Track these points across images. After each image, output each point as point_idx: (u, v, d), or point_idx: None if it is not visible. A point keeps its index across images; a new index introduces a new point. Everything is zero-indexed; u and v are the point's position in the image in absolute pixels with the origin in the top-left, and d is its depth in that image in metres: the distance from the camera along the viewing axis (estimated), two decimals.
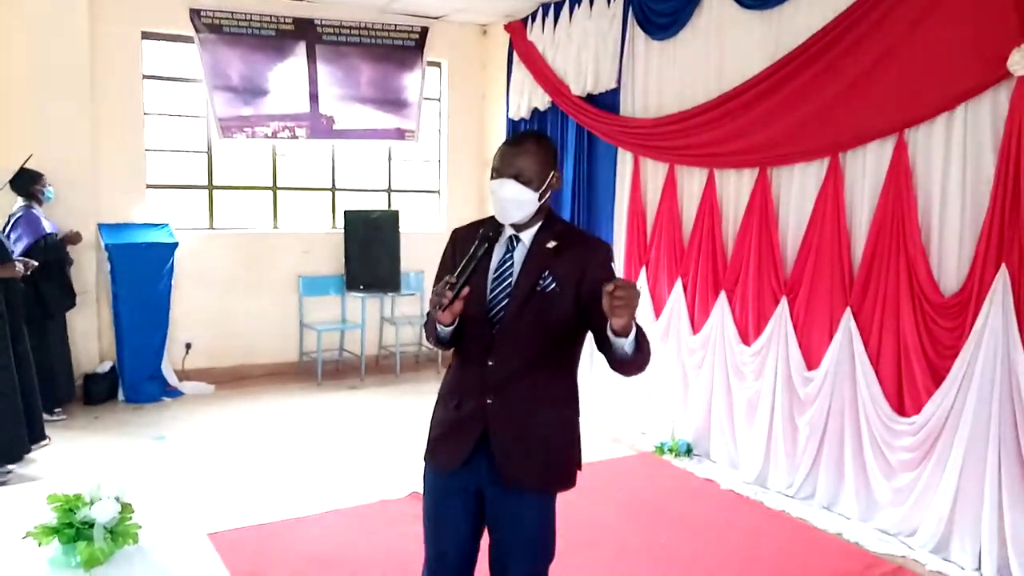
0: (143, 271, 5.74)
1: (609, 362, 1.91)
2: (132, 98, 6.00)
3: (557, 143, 5.95)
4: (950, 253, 3.46)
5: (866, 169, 3.79)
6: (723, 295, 4.55)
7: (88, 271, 5.81)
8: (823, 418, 3.97)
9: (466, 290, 1.86)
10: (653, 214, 5.14)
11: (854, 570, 3.38)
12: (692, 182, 4.85)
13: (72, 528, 1.97)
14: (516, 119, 6.50)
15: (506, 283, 1.99)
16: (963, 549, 3.36)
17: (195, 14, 6.09)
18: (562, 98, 5.84)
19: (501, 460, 1.96)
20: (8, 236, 4.97)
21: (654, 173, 5.16)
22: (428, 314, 2.04)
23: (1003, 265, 3.20)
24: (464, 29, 7.23)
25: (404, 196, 7.38)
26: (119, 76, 5.90)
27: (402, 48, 6.92)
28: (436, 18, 6.96)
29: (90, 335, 5.86)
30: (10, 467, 4.23)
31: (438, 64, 7.29)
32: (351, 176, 7.13)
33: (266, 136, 6.47)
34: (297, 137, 6.59)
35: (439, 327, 1.96)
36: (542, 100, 6.13)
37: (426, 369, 7.13)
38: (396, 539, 3.50)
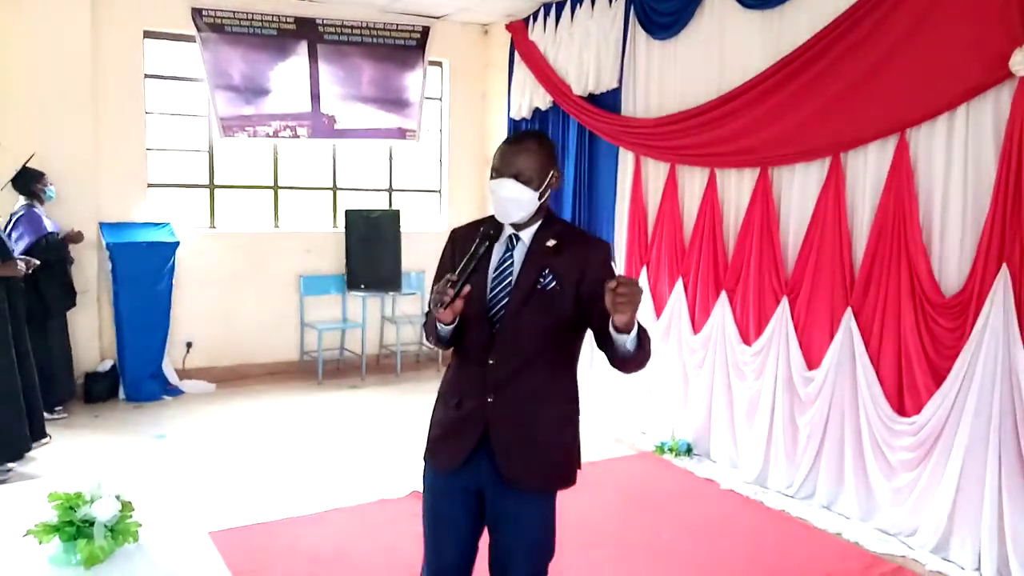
0: (144, 270, 5.75)
1: (610, 359, 1.91)
2: (134, 97, 6.00)
3: (558, 143, 5.96)
4: (951, 253, 3.46)
5: (867, 169, 3.79)
6: (724, 295, 4.55)
7: (89, 270, 5.81)
8: (823, 418, 3.96)
9: (467, 288, 1.86)
10: (654, 214, 5.14)
11: (854, 570, 3.38)
12: (693, 182, 4.84)
13: (72, 526, 1.97)
14: (517, 119, 6.50)
15: (506, 282, 1.99)
16: (963, 549, 3.36)
17: (197, 13, 6.09)
18: (563, 98, 5.84)
19: (502, 459, 1.96)
20: (9, 235, 4.98)
21: (655, 173, 5.16)
22: (427, 313, 2.04)
23: (1004, 265, 3.20)
24: (465, 28, 7.23)
25: (405, 195, 7.38)
26: (121, 75, 5.91)
27: (403, 47, 6.92)
28: (437, 17, 6.96)
29: (91, 334, 5.87)
30: (11, 465, 4.24)
31: (439, 63, 7.29)
32: (352, 175, 7.13)
33: (267, 135, 6.48)
34: (298, 136, 6.60)
35: (439, 326, 1.96)
36: (543, 100, 6.13)
37: (427, 368, 7.13)
38: (397, 538, 3.50)
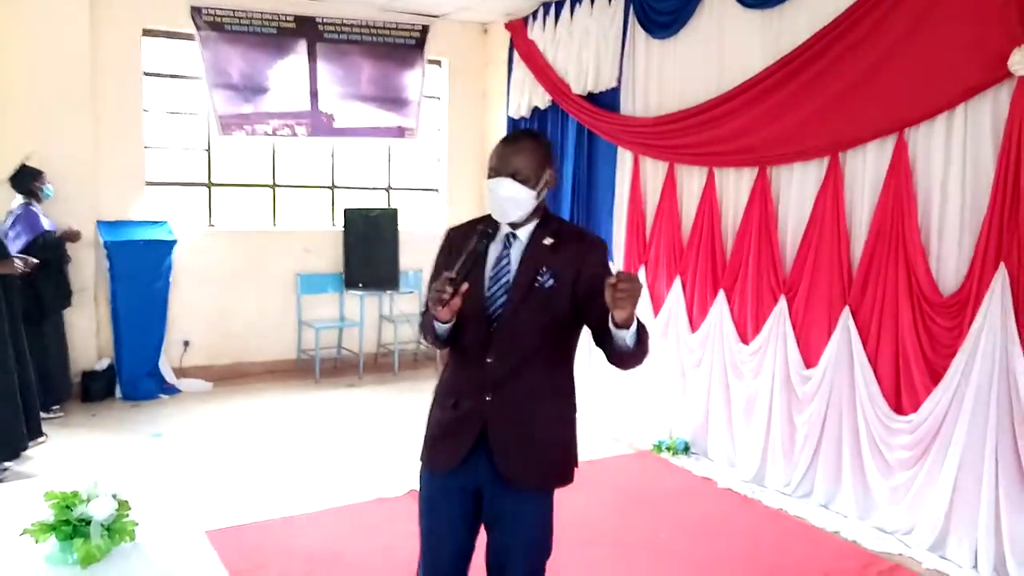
0: (142, 268, 5.74)
1: (608, 356, 1.91)
2: (132, 95, 5.99)
3: (557, 142, 5.96)
4: (949, 252, 3.46)
5: (866, 168, 3.79)
6: (722, 294, 4.55)
7: (87, 268, 5.80)
8: (821, 417, 3.97)
9: (465, 286, 1.85)
10: (653, 213, 5.14)
11: (851, 568, 3.38)
12: (692, 181, 4.84)
13: (69, 525, 1.96)
14: (516, 117, 6.50)
15: (503, 280, 1.99)
16: (960, 547, 3.36)
17: (196, 12, 6.08)
18: (562, 97, 5.84)
19: (500, 458, 1.96)
20: (6, 233, 4.97)
21: (654, 172, 5.16)
22: (423, 313, 2.04)
23: (1002, 264, 3.20)
24: (465, 27, 7.22)
25: (404, 194, 7.38)
26: (119, 73, 5.90)
27: (403, 46, 6.91)
28: (437, 16, 6.95)
29: (88, 332, 5.86)
30: (7, 464, 4.23)
31: (439, 62, 7.28)
32: (351, 174, 7.12)
33: (266, 134, 6.47)
34: (297, 135, 6.59)
35: (437, 324, 1.95)
36: (543, 99, 6.13)
37: (424, 367, 7.13)
38: (394, 537, 3.49)
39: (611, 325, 1.77)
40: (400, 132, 7.01)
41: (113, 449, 4.70)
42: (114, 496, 2.04)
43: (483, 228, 1.97)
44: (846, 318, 3.84)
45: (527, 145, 1.99)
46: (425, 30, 6.96)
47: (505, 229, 2.02)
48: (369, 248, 6.69)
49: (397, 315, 7.00)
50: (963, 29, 3.29)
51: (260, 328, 6.58)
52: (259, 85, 6.38)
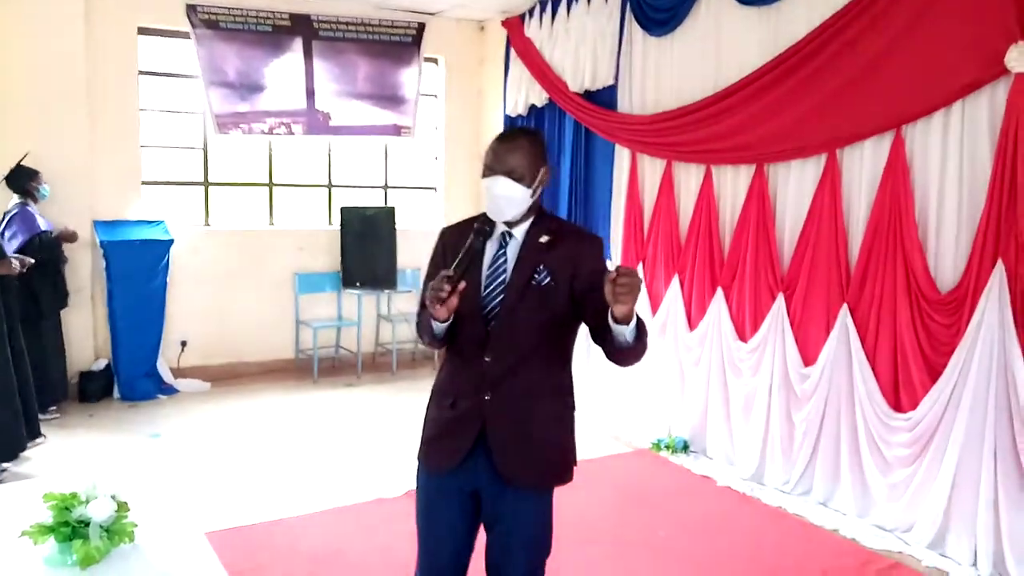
0: (138, 268, 5.73)
1: (607, 353, 1.91)
2: (128, 94, 5.98)
3: (554, 140, 5.96)
4: (947, 249, 3.46)
5: (863, 165, 3.79)
6: (720, 291, 4.55)
7: (83, 268, 5.78)
8: (820, 414, 3.97)
9: (463, 284, 1.84)
10: (650, 210, 5.14)
11: (851, 566, 3.39)
12: (689, 178, 4.84)
13: (68, 527, 1.96)
14: (513, 115, 6.49)
15: (500, 279, 1.98)
16: (959, 544, 3.37)
17: (191, 10, 6.06)
18: (559, 94, 5.83)
19: (500, 457, 1.95)
20: (2, 234, 4.95)
21: (651, 169, 5.16)
22: (419, 313, 2.04)
23: (999, 261, 3.20)
24: (461, 25, 7.21)
25: (401, 192, 7.37)
26: (115, 72, 5.88)
27: (399, 44, 6.90)
28: (432, 14, 6.94)
29: (85, 333, 5.84)
30: (5, 465, 4.22)
31: (435, 60, 7.27)
32: (348, 172, 7.11)
33: (262, 132, 6.45)
34: (293, 133, 6.58)
35: (434, 324, 1.95)
36: (539, 96, 6.12)
37: (422, 366, 7.13)
38: (393, 537, 3.49)
39: (611, 321, 1.76)
40: (397, 130, 7.00)
41: (111, 450, 4.69)
42: (113, 497, 2.04)
43: (479, 226, 1.97)
44: (844, 316, 3.84)
45: (522, 143, 1.99)
46: (421, 27, 6.95)
47: (501, 228, 2.02)
48: (366, 247, 6.68)
49: (395, 314, 6.99)
50: (960, 26, 3.29)
51: (258, 328, 6.57)
52: (255, 83, 6.36)
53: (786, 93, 4.05)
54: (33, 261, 4.72)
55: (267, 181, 6.71)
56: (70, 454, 4.59)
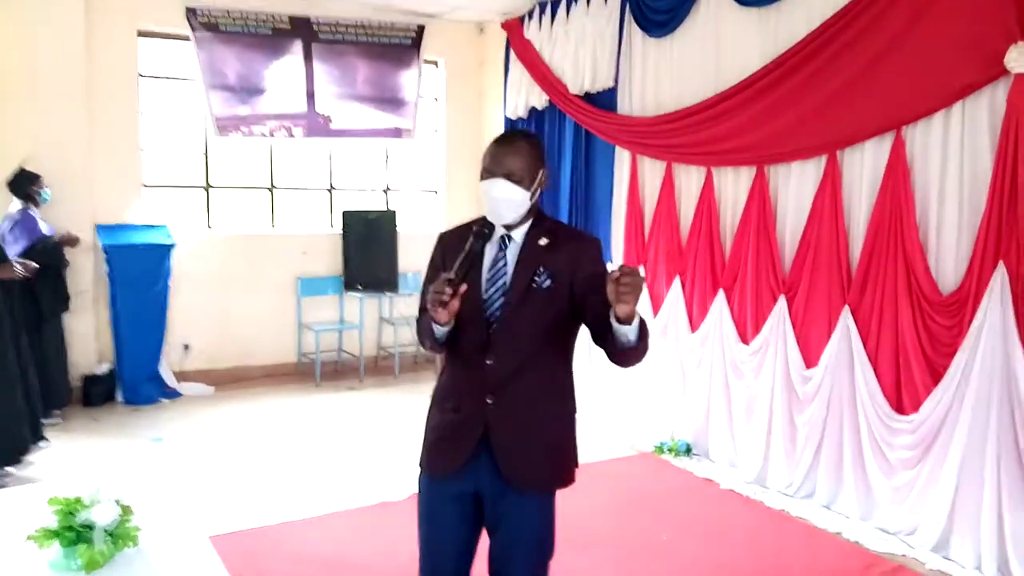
0: (141, 272, 5.74)
1: (609, 354, 1.91)
2: (128, 97, 5.99)
3: (554, 142, 5.96)
4: (948, 251, 3.46)
5: (864, 167, 3.79)
6: (721, 293, 4.55)
7: (86, 272, 5.79)
8: (822, 417, 3.96)
9: (464, 287, 1.84)
10: (651, 212, 5.14)
11: (854, 569, 3.38)
12: (690, 180, 4.84)
13: (72, 531, 1.96)
14: (514, 118, 6.50)
15: (500, 282, 1.98)
16: (963, 547, 3.36)
17: (191, 13, 6.07)
18: (559, 96, 5.83)
19: (502, 460, 1.95)
20: (5, 238, 4.96)
21: (652, 171, 5.16)
22: (419, 319, 2.03)
23: (1001, 262, 3.20)
24: (461, 27, 7.22)
25: (402, 195, 7.37)
26: (115, 75, 5.89)
27: (399, 46, 6.91)
28: (432, 16, 6.95)
29: (88, 337, 5.85)
30: (9, 469, 4.22)
31: (435, 62, 7.28)
32: (348, 176, 7.11)
33: (263, 135, 6.46)
34: (294, 136, 6.58)
35: (435, 328, 1.94)
36: (539, 98, 6.13)
37: (425, 370, 7.13)
38: (397, 541, 3.48)
39: (613, 321, 1.76)
40: (397, 133, 7.01)
41: (115, 453, 4.70)
42: (117, 501, 2.04)
43: (479, 228, 1.97)
44: (846, 317, 3.84)
45: (520, 145, 1.99)
46: (421, 30, 6.95)
47: (500, 231, 2.02)
48: (368, 250, 6.69)
49: (397, 317, 6.99)
50: (960, 27, 3.29)
51: (260, 331, 6.57)
52: (255, 86, 6.37)
53: (786, 94, 4.05)
54: (36, 266, 4.72)
55: (268, 185, 6.72)
56: (74, 458, 4.59)
